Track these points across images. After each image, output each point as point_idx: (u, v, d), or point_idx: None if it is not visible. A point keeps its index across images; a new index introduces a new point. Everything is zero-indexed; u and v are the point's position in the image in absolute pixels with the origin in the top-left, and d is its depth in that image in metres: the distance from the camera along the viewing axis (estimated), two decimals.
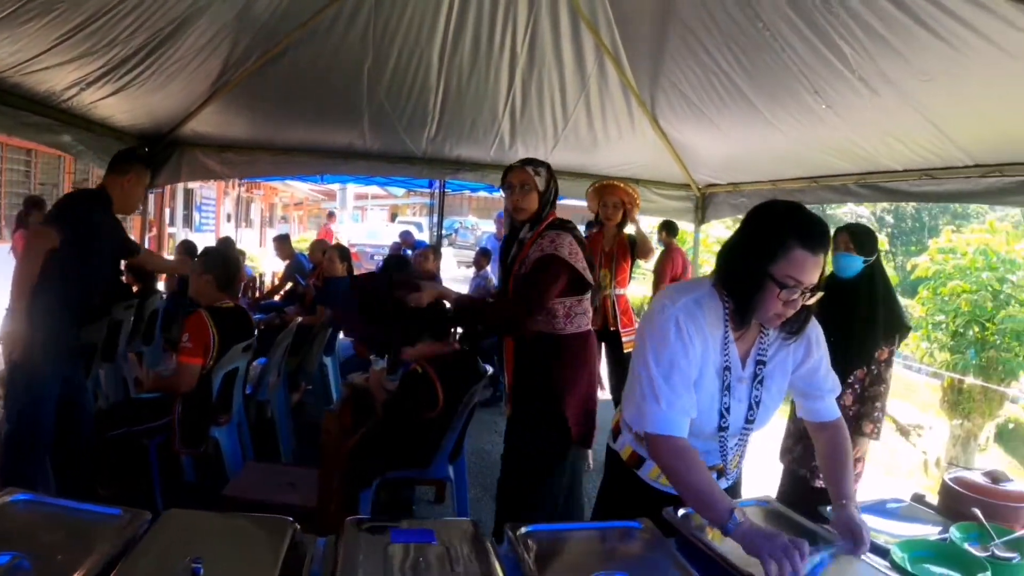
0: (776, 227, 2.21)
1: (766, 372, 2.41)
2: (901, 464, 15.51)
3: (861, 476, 4.15)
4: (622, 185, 6.72)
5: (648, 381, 2.25)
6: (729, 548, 2.09)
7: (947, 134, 4.60)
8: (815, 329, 2.44)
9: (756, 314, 2.26)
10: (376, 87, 6.38)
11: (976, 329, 15.89)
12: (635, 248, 6.72)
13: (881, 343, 4.04)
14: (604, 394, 8.50)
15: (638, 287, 14.82)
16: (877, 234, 4.29)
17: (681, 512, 2.30)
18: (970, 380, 15.55)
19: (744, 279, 2.23)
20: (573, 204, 9.20)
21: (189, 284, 4.94)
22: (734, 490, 2.66)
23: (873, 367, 4.02)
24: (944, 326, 16.50)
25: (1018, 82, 3.72)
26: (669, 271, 9.50)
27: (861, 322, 4.09)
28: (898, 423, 20.62)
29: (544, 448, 3.69)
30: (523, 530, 2.13)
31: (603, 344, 6.63)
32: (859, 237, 4.17)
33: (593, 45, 5.95)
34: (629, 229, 6.78)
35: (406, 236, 16.24)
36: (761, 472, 4.53)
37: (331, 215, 23.17)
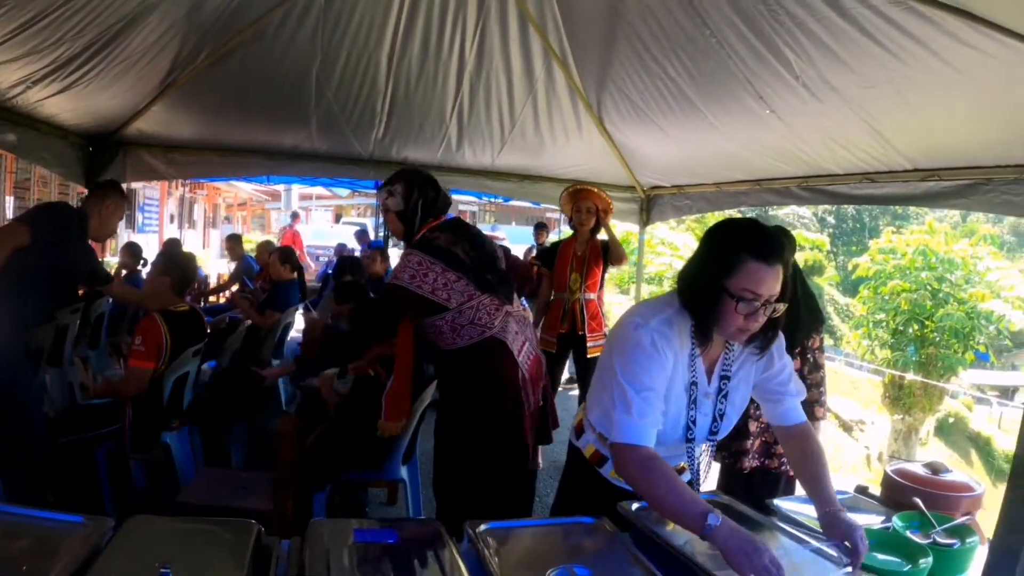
0: (729, 241, 2.24)
1: (730, 386, 2.46)
2: (845, 458, 15.79)
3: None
4: (596, 190, 6.71)
5: (620, 392, 2.26)
6: (684, 540, 2.15)
7: (888, 140, 4.72)
8: (778, 339, 2.47)
9: (717, 329, 2.29)
10: (324, 88, 6.33)
11: (916, 327, 16.28)
12: (608, 254, 6.67)
13: (812, 335, 4.09)
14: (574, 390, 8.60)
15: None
16: (791, 236, 4.04)
17: (635, 506, 2.34)
18: (911, 376, 15.89)
19: (702, 295, 2.26)
20: (521, 205, 9.23)
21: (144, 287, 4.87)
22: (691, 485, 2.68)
23: (809, 356, 4.09)
24: (885, 324, 16.88)
25: (957, 91, 3.84)
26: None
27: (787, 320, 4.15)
28: (841, 419, 20.99)
29: (464, 455, 3.56)
30: (482, 527, 2.15)
31: (570, 348, 6.72)
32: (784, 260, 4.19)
33: (541, 49, 5.96)
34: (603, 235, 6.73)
35: (361, 234, 15.98)
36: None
37: (295, 216, 22.66)
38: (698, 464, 2.56)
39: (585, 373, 6.73)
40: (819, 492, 2.34)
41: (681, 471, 2.58)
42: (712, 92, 5.31)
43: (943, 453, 20.84)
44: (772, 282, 2.18)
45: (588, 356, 6.43)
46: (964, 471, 2.90)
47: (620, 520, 2.31)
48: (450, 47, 5.90)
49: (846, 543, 2.11)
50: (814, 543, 2.20)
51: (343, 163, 8.09)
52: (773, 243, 2.21)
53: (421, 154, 7.85)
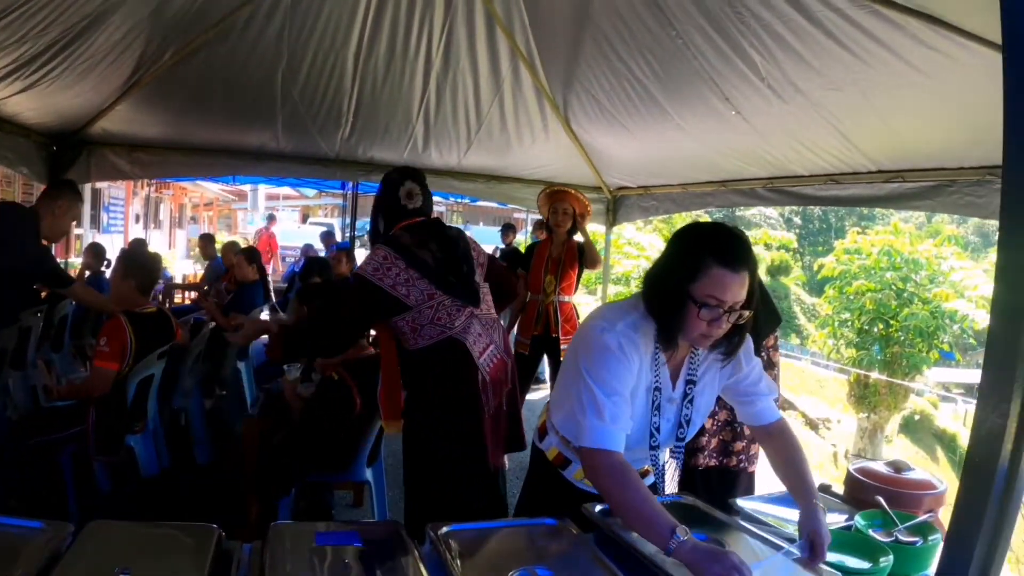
0: (694, 246, 2.22)
1: (696, 391, 2.44)
2: (811, 456, 15.88)
3: None
4: (573, 192, 6.68)
5: (590, 396, 2.23)
6: (647, 543, 2.11)
7: (853, 141, 4.76)
8: (745, 342, 2.45)
9: (681, 335, 2.26)
10: (290, 88, 6.28)
11: (881, 326, 16.45)
12: (584, 256, 6.64)
13: (767, 334, 4.06)
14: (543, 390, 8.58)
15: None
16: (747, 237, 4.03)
17: (599, 508, 2.33)
18: (876, 375, 16.05)
19: (665, 300, 2.24)
20: (488, 206, 9.23)
21: (110, 289, 4.80)
22: (654, 488, 2.65)
23: (763, 354, 4.10)
24: (850, 324, 17.02)
25: (922, 94, 3.88)
26: None
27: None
28: (807, 417, 21.18)
29: (429, 456, 3.49)
30: (444, 530, 2.14)
31: (544, 350, 6.73)
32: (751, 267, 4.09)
33: (508, 49, 5.95)
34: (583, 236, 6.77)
35: (327, 236, 15.88)
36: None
37: (272, 218, 22.44)
38: (663, 468, 2.55)
39: (558, 376, 6.64)
40: (799, 486, 2.33)
41: (644, 474, 2.58)
42: (678, 93, 5.32)
43: (909, 450, 21.06)
44: (737, 288, 2.15)
45: (562, 359, 6.08)
46: (930, 468, 2.93)
47: (584, 522, 2.30)
48: (417, 47, 5.87)
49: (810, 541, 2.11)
50: (781, 544, 2.20)
51: (309, 163, 8.05)
52: (740, 248, 2.18)
53: (387, 154, 7.83)
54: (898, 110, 4.22)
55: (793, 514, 2.55)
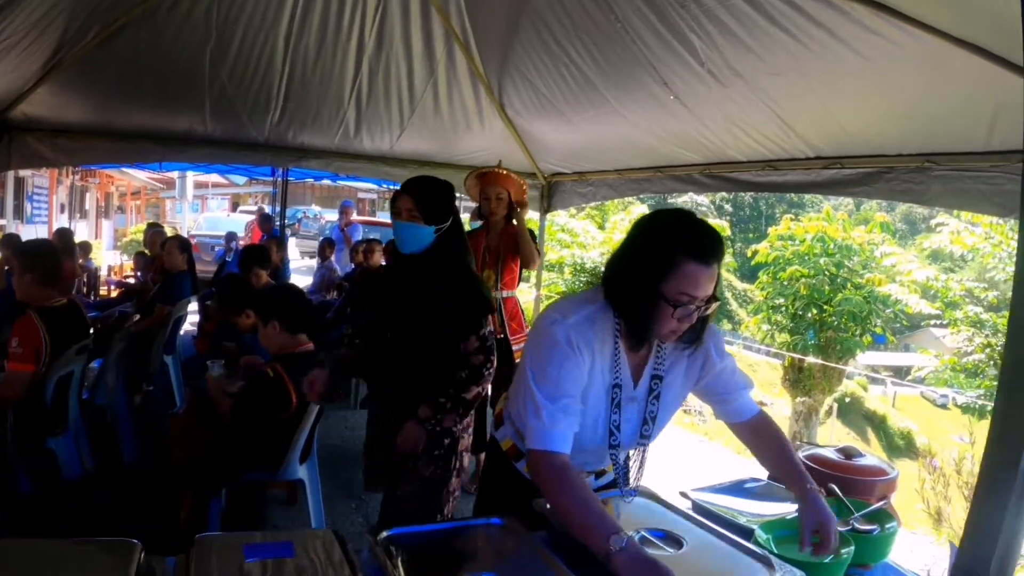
0: (663, 241, 2.10)
1: (663, 387, 2.34)
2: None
3: None
4: (505, 172, 6.06)
5: (531, 397, 2.15)
6: None
7: (792, 127, 4.71)
8: (714, 337, 2.38)
9: (651, 333, 2.18)
10: (219, 70, 6.07)
11: (815, 311, 16.74)
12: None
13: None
14: None
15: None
16: (454, 193, 3.56)
17: (550, 504, 2.25)
18: (810, 359, 16.31)
19: (635, 300, 2.13)
20: None
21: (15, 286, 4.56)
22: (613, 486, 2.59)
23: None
24: (784, 309, 17.25)
25: (863, 80, 3.83)
26: None
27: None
28: None
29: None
30: (383, 534, 2.05)
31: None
32: (426, 201, 3.37)
33: (443, 31, 5.83)
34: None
35: (264, 219, 14.54)
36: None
37: (261, 210, 21.65)
38: (626, 467, 2.46)
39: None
40: (794, 474, 2.28)
41: (602, 473, 2.54)
42: (616, 78, 5.24)
43: (840, 432, 21.50)
44: (709, 282, 2.08)
45: (516, 360, 5.69)
46: (863, 450, 2.91)
47: (536, 517, 2.21)
48: (349, 28, 5.73)
49: (816, 533, 2.07)
50: (739, 540, 2.14)
51: (238, 148, 7.81)
52: (711, 240, 2.09)
53: (318, 139, 7.68)
54: (839, 96, 4.18)
55: (741, 503, 2.52)
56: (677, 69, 4.63)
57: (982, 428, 11.03)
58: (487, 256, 5.90)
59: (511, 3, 5.17)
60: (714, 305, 2.13)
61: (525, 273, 6.41)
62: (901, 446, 27.52)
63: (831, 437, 19.97)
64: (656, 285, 2.06)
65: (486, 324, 3.44)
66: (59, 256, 4.75)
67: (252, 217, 20.18)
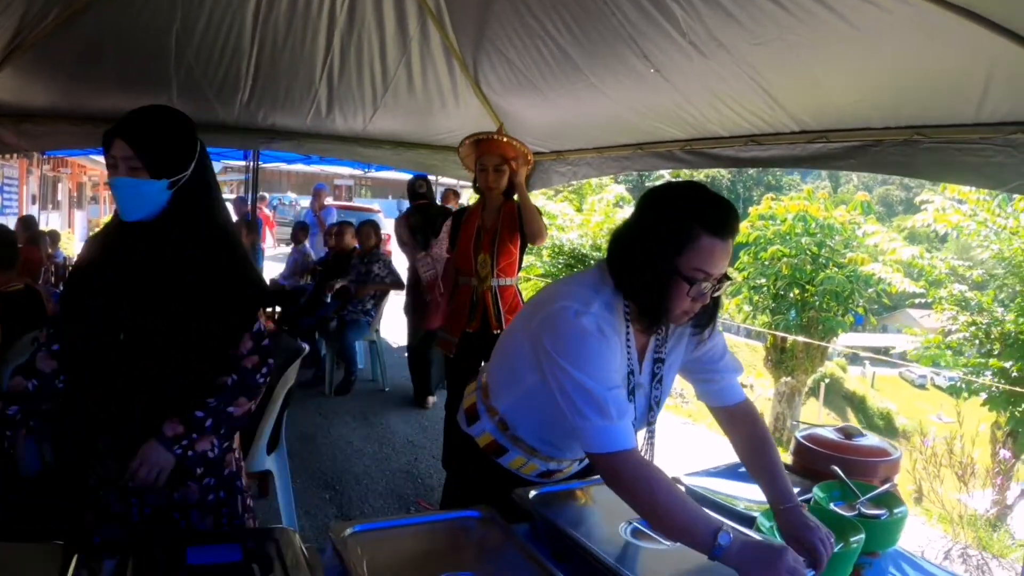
0: (677, 214, 1.99)
1: (664, 370, 2.23)
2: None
3: None
4: (506, 139, 5.48)
5: (584, 395, 1.96)
6: (585, 531, 1.99)
7: (777, 100, 4.59)
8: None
9: (665, 314, 2.04)
10: (185, 50, 5.90)
11: (797, 291, 16.78)
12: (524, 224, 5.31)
13: None
14: None
15: None
16: (193, 129, 2.65)
17: (532, 494, 2.17)
18: (793, 339, 16.37)
19: (648, 278, 2.00)
20: (397, 178, 8.95)
21: None
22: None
23: None
24: (765, 289, 17.28)
25: (852, 50, 3.70)
26: None
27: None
28: None
29: None
30: (347, 531, 1.90)
31: (479, 353, 5.17)
32: (150, 144, 2.39)
33: (416, 5, 5.70)
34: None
35: (240, 204, 14.07)
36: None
37: (262, 198, 21.34)
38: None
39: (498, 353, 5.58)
40: (774, 485, 2.10)
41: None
42: (594, 51, 5.10)
43: (820, 412, 21.59)
44: (725, 258, 1.98)
45: None
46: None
47: (514, 509, 2.09)
48: (320, 3, 5.59)
49: (805, 548, 1.87)
50: (740, 528, 1.99)
51: (207, 131, 7.58)
52: (728, 212, 1.99)
53: (289, 120, 7.54)
54: (826, 67, 4.05)
55: (738, 488, 2.43)
56: (658, 41, 4.50)
57: (969, 408, 11.04)
58: (481, 236, 5.27)
59: None
60: (727, 284, 2.04)
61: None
62: (881, 426, 27.76)
63: (818, 418, 20.06)
64: (671, 260, 1.95)
65: (259, 316, 2.58)
66: (14, 240, 4.59)
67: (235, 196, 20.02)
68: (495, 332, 5.12)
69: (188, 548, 1.79)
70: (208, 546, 1.83)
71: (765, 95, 4.57)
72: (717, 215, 1.96)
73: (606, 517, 2.12)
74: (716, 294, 2.04)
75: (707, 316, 2.15)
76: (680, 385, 13.23)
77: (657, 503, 1.87)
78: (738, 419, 2.33)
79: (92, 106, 6.99)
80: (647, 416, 2.25)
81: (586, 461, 2.48)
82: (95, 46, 5.76)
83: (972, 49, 3.19)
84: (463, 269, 5.37)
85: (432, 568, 1.74)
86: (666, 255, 1.95)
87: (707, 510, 1.89)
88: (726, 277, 2.02)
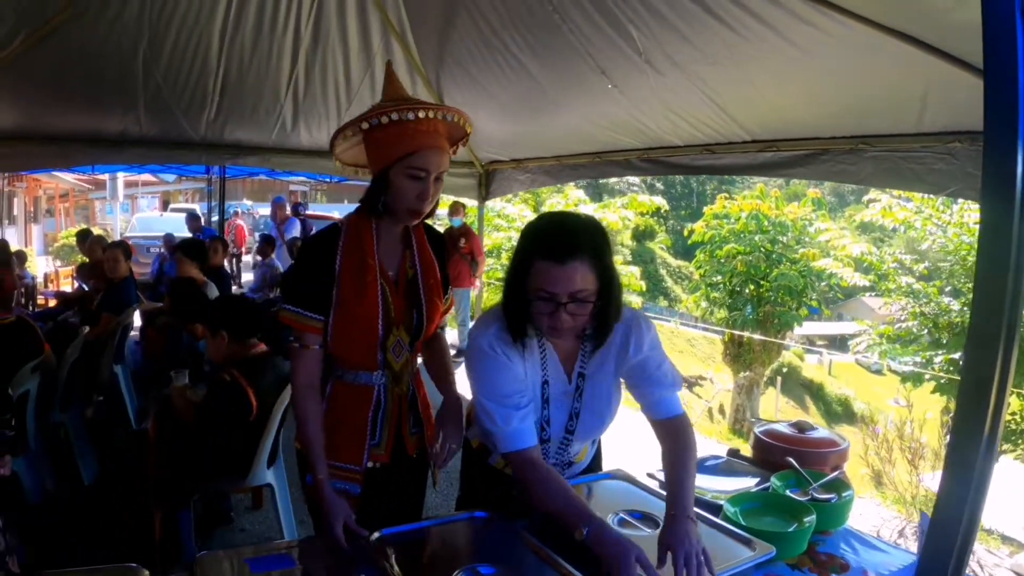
0: (522, 244, 2.25)
1: (585, 384, 2.43)
2: (690, 415, 16.37)
3: None
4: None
5: (481, 407, 2.26)
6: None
7: (728, 113, 4.84)
8: (637, 330, 2.39)
9: (532, 327, 2.27)
10: (153, 69, 6.00)
11: (752, 287, 17.07)
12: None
13: None
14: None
15: None
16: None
17: None
18: (749, 334, 16.63)
19: (508, 296, 2.27)
20: (353, 184, 8.98)
21: None
22: (591, 467, 2.72)
23: None
24: (722, 286, 17.55)
25: (798, 67, 3.97)
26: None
27: None
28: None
29: None
30: (376, 535, 2.09)
31: None
32: None
33: (379, 23, 5.84)
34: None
35: (192, 219, 14.06)
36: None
37: (236, 213, 21.15)
38: (567, 452, 2.52)
39: None
40: (672, 495, 2.20)
41: (569, 465, 2.60)
42: (553, 66, 5.31)
43: (780, 401, 21.91)
44: (565, 280, 2.13)
45: None
46: (803, 418, 3.07)
47: (516, 507, 2.28)
48: (285, 22, 5.70)
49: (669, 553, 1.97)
50: (708, 516, 2.25)
51: (173, 148, 7.74)
52: (560, 240, 2.17)
53: (255, 135, 7.65)
54: (774, 83, 4.31)
55: (705, 480, 2.62)
56: (615, 58, 4.72)
57: (918, 394, 11.38)
58: (388, 296, 2.54)
59: None
60: (586, 307, 2.19)
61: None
62: (839, 412, 28.09)
63: (776, 408, 20.39)
64: (521, 282, 2.20)
65: None
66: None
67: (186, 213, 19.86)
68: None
69: (249, 562, 1.98)
70: (265, 557, 2.02)
71: (718, 109, 4.82)
72: (549, 243, 2.17)
73: (595, 509, 2.29)
74: (581, 312, 2.19)
75: (595, 330, 2.32)
76: None
77: (540, 494, 2.15)
78: (665, 433, 2.42)
79: (58, 126, 7.07)
80: (566, 424, 2.44)
81: (576, 467, 2.66)
82: (62, 68, 5.85)
83: (909, 66, 3.44)
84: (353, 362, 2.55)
85: (452, 564, 1.94)
86: (518, 278, 2.21)
87: (581, 500, 2.14)
88: (600, 298, 2.19)
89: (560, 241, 2.15)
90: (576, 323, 2.20)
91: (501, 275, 16.28)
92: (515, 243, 2.32)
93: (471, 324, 7.12)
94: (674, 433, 2.39)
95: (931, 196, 10.95)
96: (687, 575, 1.90)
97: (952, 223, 12.00)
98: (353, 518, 2.15)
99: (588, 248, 2.14)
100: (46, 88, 6.20)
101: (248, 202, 34.89)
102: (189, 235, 11.89)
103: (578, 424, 2.44)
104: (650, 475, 2.68)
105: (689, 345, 28.27)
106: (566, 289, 2.13)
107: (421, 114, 2.33)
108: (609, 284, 2.19)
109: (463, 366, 2.50)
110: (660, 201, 21.52)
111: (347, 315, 2.40)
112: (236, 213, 21.33)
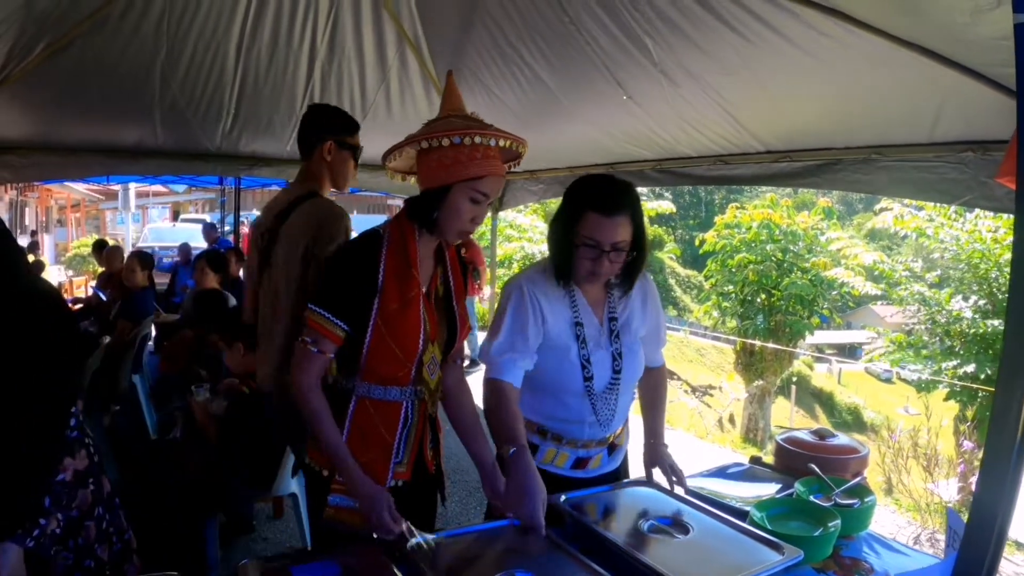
0: (573, 197, 2.57)
1: (619, 327, 2.71)
2: (702, 424, 16.32)
3: None
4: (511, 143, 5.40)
5: (493, 329, 2.65)
6: (606, 526, 2.29)
7: (743, 124, 4.87)
8: (652, 292, 2.86)
9: (572, 274, 2.59)
10: (170, 81, 6.00)
11: (763, 297, 17.10)
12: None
13: None
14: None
15: None
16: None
17: (563, 499, 2.41)
18: (761, 343, 16.66)
19: (555, 243, 2.59)
20: (364, 195, 8.94)
21: None
22: (619, 473, 2.91)
23: None
24: (733, 295, 17.58)
25: (812, 78, 3.99)
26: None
27: None
28: (690, 385, 21.77)
29: None
30: (414, 542, 2.13)
31: None
32: None
33: (395, 34, 5.83)
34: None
35: (209, 229, 14.20)
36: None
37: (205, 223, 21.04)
38: (612, 406, 2.72)
39: None
40: (648, 424, 2.91)
41: (610, 450, 2.84)
42: (569, 78, 5.32)
43: (792, 412, 21.89)
44: (612, 229, 2.47)
45: None
46: (812, 426, 3.16)
47: (549, 516, 2.31)
48: (301, 35, 5.70)
49: (656, 470, 2.72)
50: (736, 522, 2.29)
51: (188, 159, 7.81)
52: (611, 192, 2.51)
53: (270, 147, 7.70)
54: (789, 93, 4.34)
55: (729, 487, 2.69)
56: (630, 69, 4.74)
57: (933, 400, 11.37)
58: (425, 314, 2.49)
59: (463, 4, 5.20)
60: (634, 255, 2.57)
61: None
62: (849, 421, 28.04)
63: (789, 417, 20.37)
64: (570, 230, 2.53)
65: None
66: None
67: (201, 224, 19.87)
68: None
69: (292, 568, 2.02)
70: (311, 564, 2.07)
71: (732, 119, 4.85)
72: (600, 195, 2.51)
73: (626, 517, 2.37)
74: (619, 260, 2.53)
75: (624, 278, 2.68)
76: None
77: (495, 415, 2.51)
78: (648, 378, 2.92)
79: (75, 137, 7.13)
80: (612, 364, 2.70)
81: (615, 457, 2.88)
82: (80, 79, 5.85)
83: (924, 77, 3.47)
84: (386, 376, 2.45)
85: (491, 570, 1.99)
86: (567, 227, 2.54)
87: (522, 429, 2.48)
88: (635, 249, 2.55)
89: (610, 196, 2.50)
90: (613, 270, 2.56)
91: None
92: (527, 250, 2.60)
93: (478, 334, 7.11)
94: (656, 379, 2.97)
95: (943, 205, 10.98)
96: (675, 479, 2.66)
97: (964, 230, 12.04)
98: (393, 504, 2.20)
99: (630, 205, 2.51)
100: (64, 99, 6.21)
101: (257, 212, 34.88)
102: (204, 245, 11.96)
103: (623, 364, 2.72)
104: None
105: (699, 355, 28.25)
106: (610, 239, 2.48)
107: (503, 143, 2.38)
108: (642, 238, 2.56)
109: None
110: (668, 205, 21.59)
111: (389, 326, 2.32)
112: (244, 223, 21.33)
